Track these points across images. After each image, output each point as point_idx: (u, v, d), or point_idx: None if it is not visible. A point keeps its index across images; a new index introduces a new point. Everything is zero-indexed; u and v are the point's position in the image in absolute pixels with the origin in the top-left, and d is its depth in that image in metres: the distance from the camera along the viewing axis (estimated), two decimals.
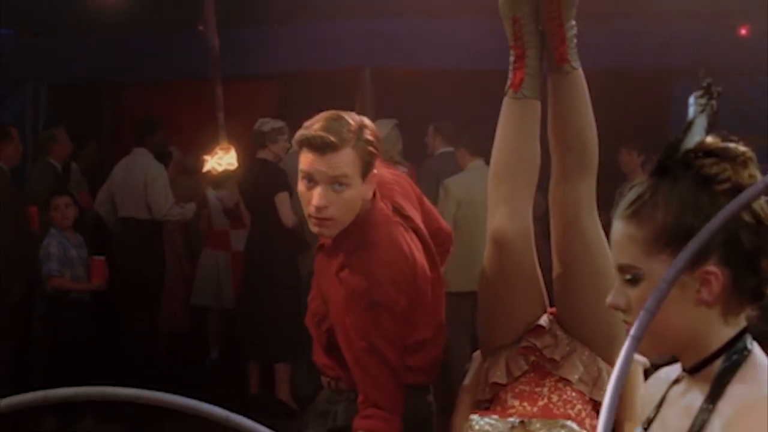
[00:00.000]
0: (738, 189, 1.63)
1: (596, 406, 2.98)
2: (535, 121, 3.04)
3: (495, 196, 3.04)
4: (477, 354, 3.23)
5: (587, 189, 3.01)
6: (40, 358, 7.54)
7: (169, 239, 8.29)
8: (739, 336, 1.67)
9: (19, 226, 7.40)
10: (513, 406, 2.97)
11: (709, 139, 1.69)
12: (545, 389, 2.97)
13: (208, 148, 8.40)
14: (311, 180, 3.05)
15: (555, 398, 2.96)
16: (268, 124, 7.47)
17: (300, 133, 3.08)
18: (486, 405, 3.06)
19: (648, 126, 8.66)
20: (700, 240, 1.50)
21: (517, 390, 3.01)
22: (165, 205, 7.63)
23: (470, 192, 7.12)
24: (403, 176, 3.56)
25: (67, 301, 7.07)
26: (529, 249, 3.01)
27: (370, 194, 3.14)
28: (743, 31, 8.59)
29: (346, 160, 3.02)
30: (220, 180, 8.10)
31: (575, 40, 3.00)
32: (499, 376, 3.05)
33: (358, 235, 3.10)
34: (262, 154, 7.41)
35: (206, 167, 7.09)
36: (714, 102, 1.71)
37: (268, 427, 2.44)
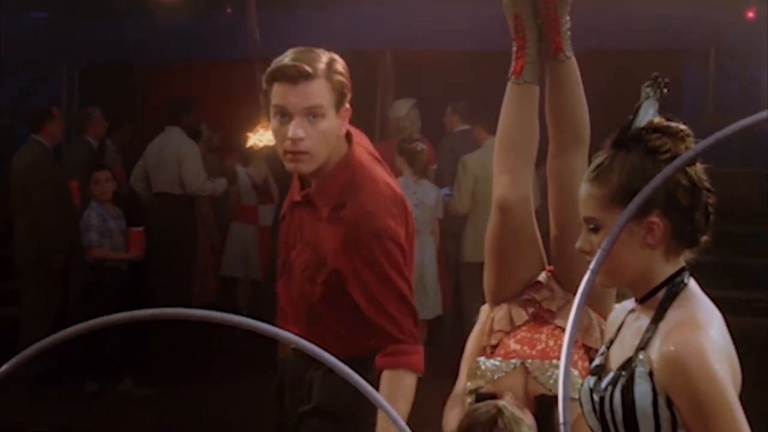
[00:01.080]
0: (676, 158, 2.13)
1: (587, 350, 3.46)
2: (534, 103, 3.52)
3: (499, 168, 3.54)
4: (485, 307, 3.72)
5: (580, 161, 3.48)
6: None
7: (200, 213, 8.79)
8: (678, 272, 2.17)
9: (60, 200, 7.97)
10: (515, 350, 3.46)
11: (656, 119, 2.18)
12: (543, 336, 3.45)
13: (235, 126, 8.93)
14: (285, 114, 3.06)
15: (551, 343, 3.44)
16: None
17: (271, 66, 3.10)
18: (491, 350, 3.55)
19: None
20: (644, 195, 2.00)
21: (518, 336, 3.50)
22: (197, 181, 8.15)
23: (487, 168, 7.52)
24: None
25: (105, 270, 7.60)
26: (529, 214, 3.50)
27: (343, 130, 3.18)
28: (750, 14, 9.02)
29: (319, 90, 3.04)
30: (249, 157, 8.63)
31: (569, 33, 3.48)
32: (503, 324, 3.54)
33: (346, 175, 3.17)
34: None
35: (249, 143, 7.59)
36: (661, 90, 2.20)
37: None
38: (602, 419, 2.18)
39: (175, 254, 8.06)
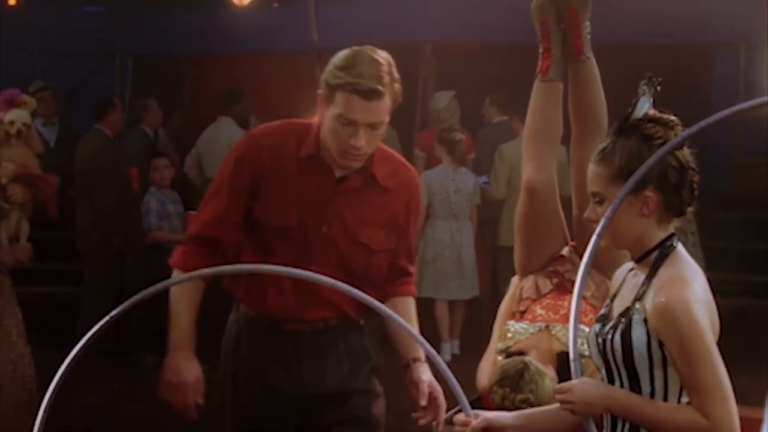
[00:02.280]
0: (667, 143, 2.62)
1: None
2: (558, 98, 4.05)
3: (526, 155, 4.06)
4: (515, 278, 4.24)
5: None
6: (136, 304, 8.63)
7: None
8: (669, 237, 2.67)
9: (120, 186, 8.55)
10: (540, 315, 3.97)
11: (650, 111, 2.68)
12: (565, 302, 3.94)
13: (279, 116, 9.42)
14: (351, 123, 3.25)
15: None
16: None
17: (341, 76, 3.23)
18: (520, 315, 4.06)
19: (691, 98, 9.47)
20: (640, 174, 2.53)
21: (544, 303, 4.01)
22: None
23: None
24: None
25: (164, 252, 8.13)
26: (553, 194, 4.02)
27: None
28: None
29: (385, 107, 3.26)
30: None
31: (589, 36, 4.00)
32: (530, 293, 4.06)
33: (386, 154, 3.51)
34: None
35: None
36: (655, 87, 2.69)
37: None
38: (605, 358, 2.67)
39: None
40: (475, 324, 8.13)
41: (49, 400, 2.82)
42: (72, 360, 2.87)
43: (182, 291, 3.41)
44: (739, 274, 9.43)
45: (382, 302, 3.37)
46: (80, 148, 8.52)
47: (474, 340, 5.96)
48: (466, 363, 4.20)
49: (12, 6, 10.31)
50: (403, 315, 3.43)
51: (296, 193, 3.40)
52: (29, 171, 5.59)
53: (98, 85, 11.64)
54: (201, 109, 10.75)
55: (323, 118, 3.35)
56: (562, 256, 4.06)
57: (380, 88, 3.20)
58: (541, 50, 4.05)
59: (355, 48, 3.31)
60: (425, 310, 8.02)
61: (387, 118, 3.30)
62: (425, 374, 3.44)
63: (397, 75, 3.30)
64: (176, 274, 3.41)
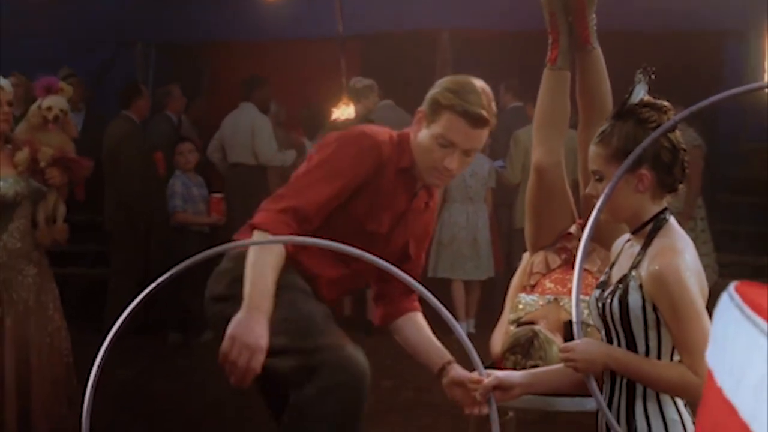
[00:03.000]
0: (660, 126, 2.93)
1: None
2: (566, 85, 4.36)
3: (536, 139, 4.38)
4: (526, 254, 4.56)
5: None
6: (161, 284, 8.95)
7: (271, 183, 9.62)
8: (662, 211, 2.97)
9: (146, 170, 8.87)
10: (549, 288, 4.28)
11: (645, 98, 2.98)
12: (573, 276, 4.26)
13: (301, 102, 9.76)
14: (450, 145, 3.43)
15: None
16: (360, 82, 8.82)
17: (452, 98, 3.41)
18: (530, 288, 4.37)
19: (702, 84, 9.69)
20: (635, 154, 2.83)
21: (552, 277, 4.32)
22: (270, 152, 9.01)
23: None
24: None
25: (189, 233, 8.48)
26: (561, 176, 4.33)
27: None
28: None
29: (485, 135, 3.50)
30: (316, 130, 9.48)
31: (595, 28, 4.29)
32: (540, 267, 4.37)
33: None
34: (356, 108, 8.73)
35: (333, 117, 8.44)
36: (649, 75, 3.00)
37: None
38: (605, 321, 2.98)
39: (249, 218, 8.88)
40: (490, 304, 8.41)
41: (95, 375, 3.05)
42: (116, 332, 3.14)
43: (269, 253, 3.28)
44: (749, 255, 9.70)
45: (397, 318, 3.78)
46: (108, 133, 8.84)
47: (489, 319, 6.24)
48: (481, 340, 4.48)
49: None
50: (422, 327, 3.75)
51: (390, 201, 3.56)
52: (66, 155, 5.88)
53: (120, 72, 11.92)
54: (222, 95, 10.99)
55: (417, 134, 3.52)
56: (570, 233, 4.37)
57: (486, 115, 3.41)
58: (550, 40, 4.37)
59: (462, 77, 3.57)
60: (442, 290, 8.33)
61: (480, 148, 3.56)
62: (463, 372, 3.52)
63: (495, 108, 3.53)
64: (258, 235, 3.33)
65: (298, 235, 3.31)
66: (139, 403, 7.00)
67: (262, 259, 3.27)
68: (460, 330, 3.17)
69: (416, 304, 3.80)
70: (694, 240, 9.02)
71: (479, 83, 3.50)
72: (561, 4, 4.31)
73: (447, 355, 3.63)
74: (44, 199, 5.78)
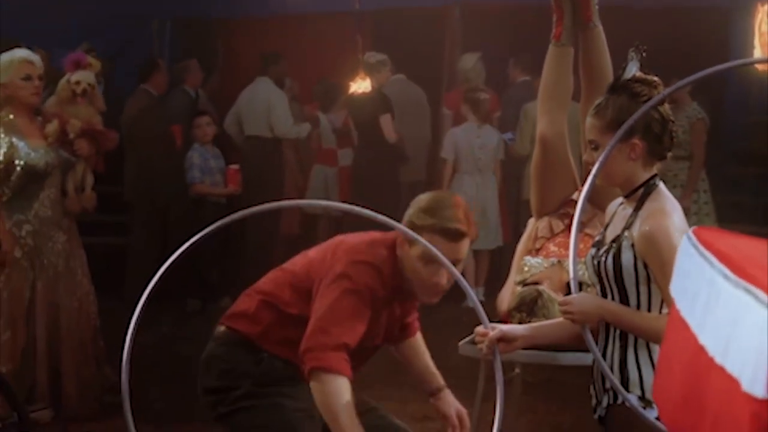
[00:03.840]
0: (651, 99, 3.24)
1: None
2: (569, 61, 4.67)
3: (541, 111, 4.70)
4: (531, 220, 4.87)
5: None
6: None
7: (285, 155, 9.92)
8: (652, 177, 3.28)
9: (165, 142, 9.19)
10: (553, 251, 4.60)
11: (637, 74, 3.29)
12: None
13: (315, 76, 10.06)
14: (435, 262, 3.54)
15: (581, 246, 4.54)
16: (374, 56, 9.12)
17: (427, 219, 3.58)
18: (535, 252, 4.69)
19: (709, 59, 9.91)
20: (628, 125, 3.14)
21: (556, 241, 4.64)
22: (286, 125, 9.32)
23: None
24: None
25: (206, 204, 8.80)
26: (564, 146, 4.65)
27: None
28: None
29: (466, 246, 3.64)
30: (329, 104, 9.79)
31: (596, 6, 4.59)
32: (545, 232, 4.69)
33: None
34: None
35: (350, 90, 8.75)
36: (641, 53, 3.30)
37: None
38: (599, 277, 3.30)
39: (265, 190, 9.19)
40: (498, 273, 8.71)
41: (131, 341, 3.38)
42: (149, 293, 3.45)
43: (346, 393, 3.47)
44: (755, 226, 9.96)
45: (400, 344, 4.03)
46: (128, 106, 9.14)
47: (498, 287, 6.53)
48: (490, 307, 4.78)
49: None
50: (421, 349, 4.07)
51: (384, 316, 3.74)
52: (93, 127, 6.22)
53: (137, 48, 12.21)
54: (237, 70, 11.24)
55: (403, 255, 3.64)
56: (573, 200, 4.69)
57: (464, 229, 3.58)
58: (554, 18, 4.67)
59: (436, 193, 3.83)
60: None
61: (464, 257, 3.67)
62: (452, 402, 3.98)
63: (473, 219, 3.68)
64: (334, 381, 3.47)
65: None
66: (160, 366, 7.28)
67: (347, 404, 3.45)
68: (468, 286, 3.51)
69: (416, 325, 4.08)
70: (697, 212, 9.32)
71: (453, 197, 3.71)
72: None
73: (438, 381, 4.01)
74: (73, 169, 6.12)
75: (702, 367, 1.39)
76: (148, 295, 3.63)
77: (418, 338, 4.09)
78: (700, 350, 1.41)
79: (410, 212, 3.64)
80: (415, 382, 4.14)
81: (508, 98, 10.01)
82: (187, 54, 10.83)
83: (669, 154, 3.33)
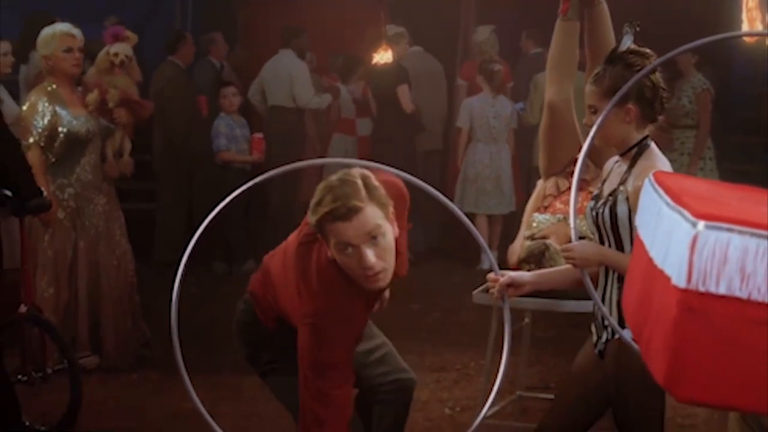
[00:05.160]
0: (643, 69, 3.66)
1: None
2: (576, 34, 5.09)
3: (549, 80, 5.12)
4: (540, 180, 5.30)
5: None
6: (203, 217, 9.70)
7: (307, 125, 10.33)
8: (644, 138, 3.71)
9: (191, 112, 9.62)
10: (559, 208, 5.04)
11: (632, 46, 3.71)
12: (580, 198, 4.98)
13: (332, 49, 10.46)
14: (351, 246, 3.36)
15: (585, 203, 5.00)
16: (392, 29, 9.54)
17: (318, 211, 3.34)
18: (543, 209, 5.13)
19: (706, 32, 10.22)
20: (623, 91, 3.56)
21: (562, 199, 5.07)
22: (307, 96, 9.74)
23: None
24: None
25: (232, 171, 9.22)
26: (570, 111, 5.07)
27: (397, 230, 3.54)
28: None
29: (371, 215, 3.35)
30: (347, 75, 10.20)
31: None
32: (552, 190, 5.13)
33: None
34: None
35: (374, 60, 9.16)
36: (635, 28, 3.72)
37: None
38: (598, 226, 3.72)
39: (286, 158, 9.59)
40: (512, 236, 9.12)
41: (176, 300, 3.69)
42: (187, 260, 3.78)
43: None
44: None
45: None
46: (155, 77, 9.56)
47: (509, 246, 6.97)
48: (503, 267, 5.17)
49: None
50: None
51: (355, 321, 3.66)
52: (130, 96, 6.66)
53: (161, 20, 12.61)
54: (260, 43, 11.59)
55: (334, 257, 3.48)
56: (577, 159, 5.12)
57: (356, 203, 3.31)
58: None
59: (326, 180, 3.46)
60: (464, 226, 9.00)
61: (381, 223, 3.39)
62: None
63: (375, 183, 3.42)
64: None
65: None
66: (191, 324, 7.70)
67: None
68: (484, 243, 3.96)
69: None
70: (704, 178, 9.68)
71: (348, 175, 3.43)
72: None
73: None
74: (111, 136, 6.57)
75: (650, 274, 1.82)
76: (173, 260, 3.89)
77: None
78: (650, 261, 1.83)
79: (308, 213, 3.47)
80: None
81: (520, 69, 10.44)
82: (210, 27, 11.21)
83: (660, 118, 3.75)
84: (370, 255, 3.35)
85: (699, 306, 1.64)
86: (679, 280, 1.64)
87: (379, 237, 3.37)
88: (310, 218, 3.38)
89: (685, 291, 1.63)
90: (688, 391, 1.69)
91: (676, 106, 9.17)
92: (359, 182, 3.35)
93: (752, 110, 11.47)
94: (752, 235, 1.60)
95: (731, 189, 2.10)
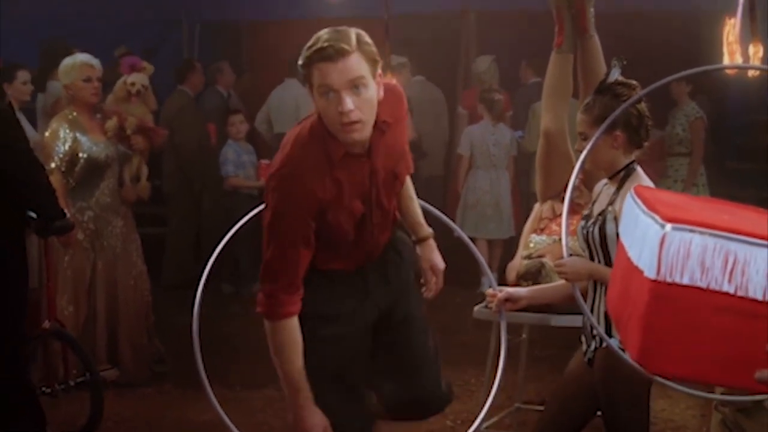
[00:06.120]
0: (629, 99, 4.01)
1: None
2: (570, 65, 5.47)
3: (545, 108, 5.48)
4: (536, 204, 5.64)
5: None
6: (212, 242, 9.99)
7: None
8: (631, 163, 4.04)
9: (200, 139, 9.96)
10: (555, 230, 5.38)
11: (619, 78, 4.06)
12: (574, 221, 5.26)
13: None
14: (332, 91, 3.31)
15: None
16: (395, 59, 9.86)
17: (306, 53, 3.33)
18: (540, 231, 5.47)
19: (702, 62, 10.49)
20: (610, 119, 3.91)
21: (558, 221, 5.42)
22: None
23: None
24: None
25: (240, 196, 9.54)
26: (564, 138, 5.42)
27: (381, 93, 3.47)
28: None
29: (356, 63, 3.32)
30: None
31: (593, 19, 5.37)
32: (548, 213, 5.47)
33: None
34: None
35: None
36: (621, 62, 4.06)
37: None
38: (588, 244, 4.05)
39: None
40: (510, 260, 9.44)
41: (197, 317, 3.99)
42: (205, 279, 4.07)
43: (292, 355, 3.59)
44: None
45: None
46: (166, 106, 9.85)
47: None
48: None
49: None
50: (406, 192, 3.98)
51: (349, 191, 3.54)
52: (146, 124, 7.00)
53: (169, 50, 12.92)
54: (265, 72, 11.93)
55: (316, 107, 3.44)
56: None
57: (344, 45, 3.31)
58: (556, 29, 5.47)
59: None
60: (466, 249, 9.30)
61: (366, 75, 3.36)
62: (429, 256, 4.05)
63: (368, 39, 3.41)
64: (271, 325, 3.60)
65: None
66: (201, 341, 7.99)
67: (287, 357, 3.59)
68: (476, 250, 4.29)
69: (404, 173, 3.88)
70: None
71: (333, 29, 3.40)
72: (565, 0, 5.41)
73: (424, 232, 4.07)
74: (129, 161, 6.91)
75: (629, 271, 2.16)
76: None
77: (406, 184, 3.98)
78: (628, 260, 2.17)
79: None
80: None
81: (519, 98, 10.77)
82: (216, 56, 11.52)
83: (645, 144, 4.09)
84: (349, 102, 3.31)
85: (667, 294, 1.96)
86: (650, 272, 1.97)
87: (362, 87, 3.34)
88: (300, 61, 3.38)
89: (655, 281, 1.95)
90: (657, 365, 2.02)
91: (670, 134, 9.51)
92: (353, 34, 3.37)
93: (746, 137, 11.78)
94: (710, 235, 1.93)
95: (699, 200, 2.45)
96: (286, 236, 3.52)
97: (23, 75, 7.70)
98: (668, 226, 1.97)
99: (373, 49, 3.41)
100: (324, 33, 3.34)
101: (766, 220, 2.05)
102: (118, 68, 8.38)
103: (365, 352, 3.88)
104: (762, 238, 1.91)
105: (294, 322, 3.56)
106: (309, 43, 3.35)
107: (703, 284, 1.95)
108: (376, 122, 3.47)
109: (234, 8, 12.50)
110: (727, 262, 1.92)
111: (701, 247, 1.93)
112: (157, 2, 12.58)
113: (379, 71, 3.43)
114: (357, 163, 3.53)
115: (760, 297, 1.92)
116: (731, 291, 1.93)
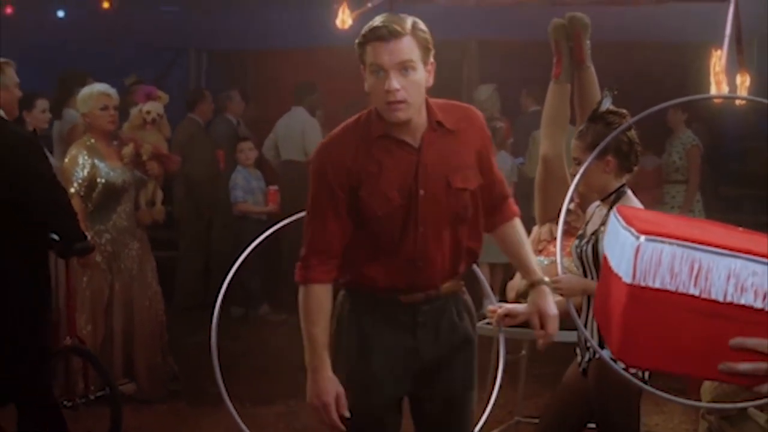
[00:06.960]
0: (619, 126, 4.32)
1: None
2: (567, 95, 5.78)
3: (543, 135, 5.80)
4: (535, 227, 5.94)
5: None
6: (221, 265, 10.21)
7: None
8: (621, 186, 4.35)
9: (210, 166, 10.25)
10: (552, 252, 5.67)
11: (611, 107, 4.37)
12: (571, 242, 5.61)
13: (335, 105, 11.04)
14: (382, 70, 3.45)
15: None
16: None
17: (363, 34, 3.49)
18: (538, 252, 5.76)
19: (696, 91, 10.75)
20: (602, 145, 4.22)
21: (555, 243, 5.69)
22: None
23: None
24: None
25: (249, 221, 9.82)
26: (562, 164, 5.72)
27: (431, 81, 3.61)
28: None
29: (407, 46, 3.45)
30: None
31: (589, 51, 5.69)
32: (546, 236, 5.78)
33: (446, 105, 3.79)
34: None
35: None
36: (613, 92, 4.37)
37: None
38: (582, 261, 4.35)
39: (300, 209, 10.09)
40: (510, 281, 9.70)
41: (215, 335, 4.26)
42: (221, 300, 4.34)
43: (317, 318, 3.65)
44: None
45: (492, 231, 4.05)
46: (177, 133, 10.05)
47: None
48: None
49: (106, 9, 12.04)
50: (516, 237, 4.07)
51: (387, 176, 3.59)
52: (161, 151, 7.30)
53: (176, 77, 13.25)
54: (272, 100, 12.18)
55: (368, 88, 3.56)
56: (569, 209, 5.75)
57: (397, 27, 3.44)
58: (554, 60, 5.78)
59: None
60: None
61: (416, 59, 3.48)
62: (538, 302, 3.97)
63: (423, 27, 3.54)
64: (303, 291, 3.69)
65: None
66: (211, 363, 8.27)
67: (310, 326, 3.64)
68: (481, 274, 4.59)
69: (510, 211, 4.06)
70: None
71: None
72: (563, 33, 5.74)
73: (534, 277, 4.03)
74: (145, 186, 7.20)
75: (611, 279, 2.44)
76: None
77: (514, 225, 4.07)
78: (610, 270, 2.45)
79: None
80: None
81: (519, 126, 11.00)
82: (223, 84, 11.79)
83: (635, 168, 4.40)
84: (395, 81, 3.43)
85: (641, 296, 2.24)
86: (627, 278, 2.25)
87: (410, 70, 3.46)
88: (357, 39, 3.52)
89: (631, 285, 2.24)
90: (634, 359, 2.32)
91: (667, 162, 9.81)
92: (409, 19, 3.51)
93: (742, 163, 12.05)
94: (679, 245, 2.21)
95: (674, 218, 2.75)
96: (316, 201, 3.66)
97: (42, 103, 8.00)
98: (642, 238, 2.24)
99: (428, 36, 3.53)
100: (381, 15, 3.52)
101: (731, 234, 2.34)
102: (129, 96, 8.74)
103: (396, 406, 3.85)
104: (724, 248, 2.19)
105: (322, 290, 3.66)
106: (366, 28, 3.51)
107: (672, 288, 2.21)
108: (430, 121, 3.63)
109: (239, 38, 12.80)
110: (693, 268, 2.20)
111: (671, 255, 2.21)
112: (165, 32, 12.90)
113: (431, 60, 3.57)
114: (402, 151, 3.61)
115: (721, 299, 2.21)
116: (697, 294, 2.20)
